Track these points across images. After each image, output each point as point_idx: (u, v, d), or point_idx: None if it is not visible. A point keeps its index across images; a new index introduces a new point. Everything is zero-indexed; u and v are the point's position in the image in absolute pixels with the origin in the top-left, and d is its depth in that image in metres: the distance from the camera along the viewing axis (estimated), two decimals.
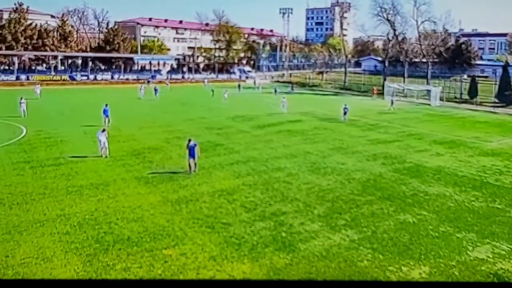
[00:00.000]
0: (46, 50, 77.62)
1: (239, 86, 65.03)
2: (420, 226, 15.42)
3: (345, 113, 37.37)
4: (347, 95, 66.39)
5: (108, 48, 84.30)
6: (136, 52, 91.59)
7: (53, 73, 73.03)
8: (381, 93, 63.09)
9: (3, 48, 73.07)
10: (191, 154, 20.58)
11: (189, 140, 20.98)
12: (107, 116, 32.40)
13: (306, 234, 14.49)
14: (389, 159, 25.02)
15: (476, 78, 62.89)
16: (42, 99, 49.61)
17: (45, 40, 78.33)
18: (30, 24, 78.74)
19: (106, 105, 33.56)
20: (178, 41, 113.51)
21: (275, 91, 60.75)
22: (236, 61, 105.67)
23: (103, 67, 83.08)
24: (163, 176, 20.49)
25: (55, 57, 78.12)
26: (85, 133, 29.90)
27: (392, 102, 49.56)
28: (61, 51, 78.87)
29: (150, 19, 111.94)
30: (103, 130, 23.81)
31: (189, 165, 20.68)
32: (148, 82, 68.04)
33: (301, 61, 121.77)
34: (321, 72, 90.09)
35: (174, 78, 79.83)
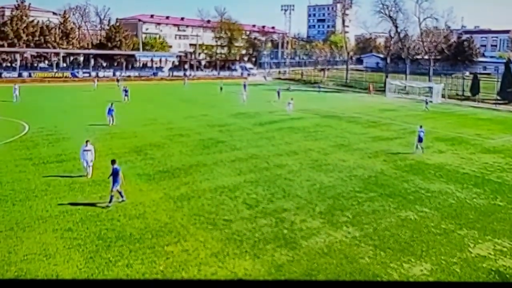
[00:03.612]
0: (48, 47, 77.68)
1: (244, 85, 55.25)
2: (421, 223, 15.43)
3: (420, 140, 25.72)
4: (349, 92, 66.35)
5: (110, 45, 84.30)
6: (137, 49, 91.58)
7: (55, 70, 73.08)
8: (382, 90, 63.09)
9: (5, 45, 73.14)
10: (115, 180, 16.36)
11: (113, 162, 16.84)
12: (111, 115, 31.86)
13: (308, 231, 14.52)
14: (391, 156, 25.02)
15: (478, 75, 62.77)
16: (44, 96, 49.71)
17: (47, 37, 78.38)
18: (32, 21, 78.80)
19: (112, 104, 32.95)
20: (179, 38, 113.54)
21: (278, 94, 51.17)
22: (237, 58, 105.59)
23: (105, 64, 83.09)
24: (165, 173, 20.53)
25: (57, 54, 78.17)
26: (87, 130, 29.94)
27: (426, 102, 47.44)
28: (63, 48, 78.89)
29: (151, 16, 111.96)
30: (87, 143, 19.88)
31: (111, 195, 16.31)
32: (118, 80, 63.83)
33: (303, 58, 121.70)
34: (323, 69, 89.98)
35: (175, 75, 79.79)
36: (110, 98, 42.96)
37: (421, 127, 26.62)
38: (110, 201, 16.18)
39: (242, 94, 47.97)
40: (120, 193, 16.58)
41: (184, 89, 63.04)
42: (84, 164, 19.62)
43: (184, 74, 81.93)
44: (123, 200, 16.45)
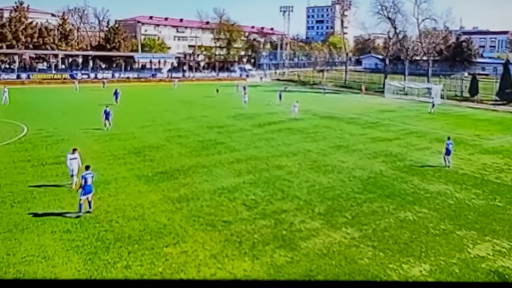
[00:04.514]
0: (46, 49, 77.66)
1: (244, 87, 54.42)
2: (420, 224, 15.43)
3: (449, 153, 23.18)
4: (348, 93, 66.40)
5: (108, 46, 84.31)
6: (136, 50, 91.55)
7: (53, 71, 73.08)
8: (381, 91, 63.20)
9: (4, 46, 73.10)
10: (91, 189, 15.56)
11: (87, 167, 16.07)
12: (108, 119, 30.72)
13: (307, 232, 14.51)
14: (390, 157, 25.02)
15: (477, 76, 62.87)
16: (43, 97, 49.68)
17: (46, 39, 78.35)
18: (31, 22, 78.78)
19: (107, 106, 32.05)
20: (178, 39, 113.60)
21: (280, 96, 48.77)
22: (236, 59, 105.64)
23: (103, 66, 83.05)
24: (164, 174, 20.51)
25: (55, 56, 78.17)
26: (85, 132, 29.92)
27: (433, 105, 46.09)
28: (61, 50, 78.89)
29: (150, 18, 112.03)
30: (73, 151, 18.63)
31: (81, 204, 15.44)
32: (104, 83, 62.36)
33: (302, 60, 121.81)
34: (322, 70, 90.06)
35: (174, 76, 79.72)
36: (97, 100, 43.07)
37: (448, 138, 24.02)
38: (90, 207, 15.57)
39: (243, 96, 46.44)
40: (89, 202, 15.62)
41: (174, 90, 62.07)
42: (70, 172, 18.34)
43: (183, 75, 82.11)
44: (78, 213, 15.29)
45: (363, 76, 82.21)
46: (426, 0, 71.05)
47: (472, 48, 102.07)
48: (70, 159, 18.36)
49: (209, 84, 69.14)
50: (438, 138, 31.02)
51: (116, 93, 44.31)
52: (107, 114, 30.90)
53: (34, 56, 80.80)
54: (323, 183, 19.76)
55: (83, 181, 15.43)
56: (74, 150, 18.75)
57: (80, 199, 15.37)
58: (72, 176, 18.29)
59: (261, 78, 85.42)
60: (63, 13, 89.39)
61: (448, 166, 22.87)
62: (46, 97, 50.86)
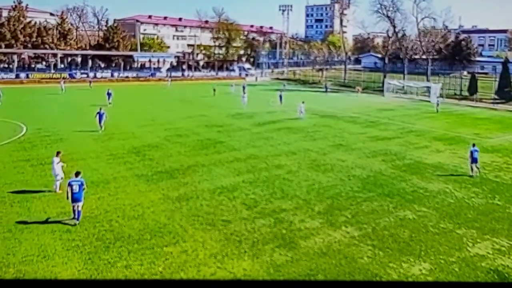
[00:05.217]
0: (45, 48, 77.54)
1: (243, 87, 52.85)
2: (420, 223, 15.44)
3: (475, 160, 21.17)
4: (347, 92, 66.38)
5: (107, 46, 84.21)
6: (135, 50, 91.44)
7: (52, 71, 72.94)
8: (380, 90, 63.23)
9: (3, 46, 72.98)
10: (77, 197, 14.70)
11: (77, 174, 15.31)
12: (100, 121, 29.69)
13: (307, 231, 14.52)
14: (389, 156, 25.04)
15: (476, 75, 62.88)
16: (42, 97, 49.61)
17: (45, 38, 78.23)
18: (30, 22, 78.62)
19: (101, 108, 30.96)
20: (177, 38, 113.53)
21: (280, 98, 46.55)
22: (235, 58, 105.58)
23: (102, 65, 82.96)
24: (163, 173, 20.51)
25: (54, 55, 78.02)
26: (84, 131, 29.88)
27: (437, 104, 45.87)
28: (60, 49, 78.76)
29: (149, 17, 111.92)
30: (57, 154, 18.15)
31: (74, 210, 14.77)
32: (90, 82, 61.38)
33: (301, 59, 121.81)
34: (321, 69, 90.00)
35: (174, 75, 79.62)
36: (92, 99, 43.04)
37: (474, 145, 21.99)
38: (76, 216, 14.72)
39: (242, 96, 45.71)
40: (78, 212, 14.68)
41: (167, 89, 62.03)
42: (57, 178, 17.59)
43: (182, 74, 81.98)
44: (73, 218, 14.65)
45: (362, 75, 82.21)
46: None
47: (471, 46, 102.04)
48: (57, 163, 17.73)
49: (209, 83, 69.08)
50: (437, 137, 31.06)
51: (108, 94, 43.41)
52: (100, 116, 29.96)
53: (33, 55, 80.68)
54: (322, 182, 19.77)
55: (69, 188, 14.69)
56: (58, 153, 18.28)
57: (73, 206, 14.77)
58: (57, 181, 17.60)
59: (256, 78, 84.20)
60: (62, 12, 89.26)
61: (472, 176, 21.14)
62: (45, 96, 50.81)
